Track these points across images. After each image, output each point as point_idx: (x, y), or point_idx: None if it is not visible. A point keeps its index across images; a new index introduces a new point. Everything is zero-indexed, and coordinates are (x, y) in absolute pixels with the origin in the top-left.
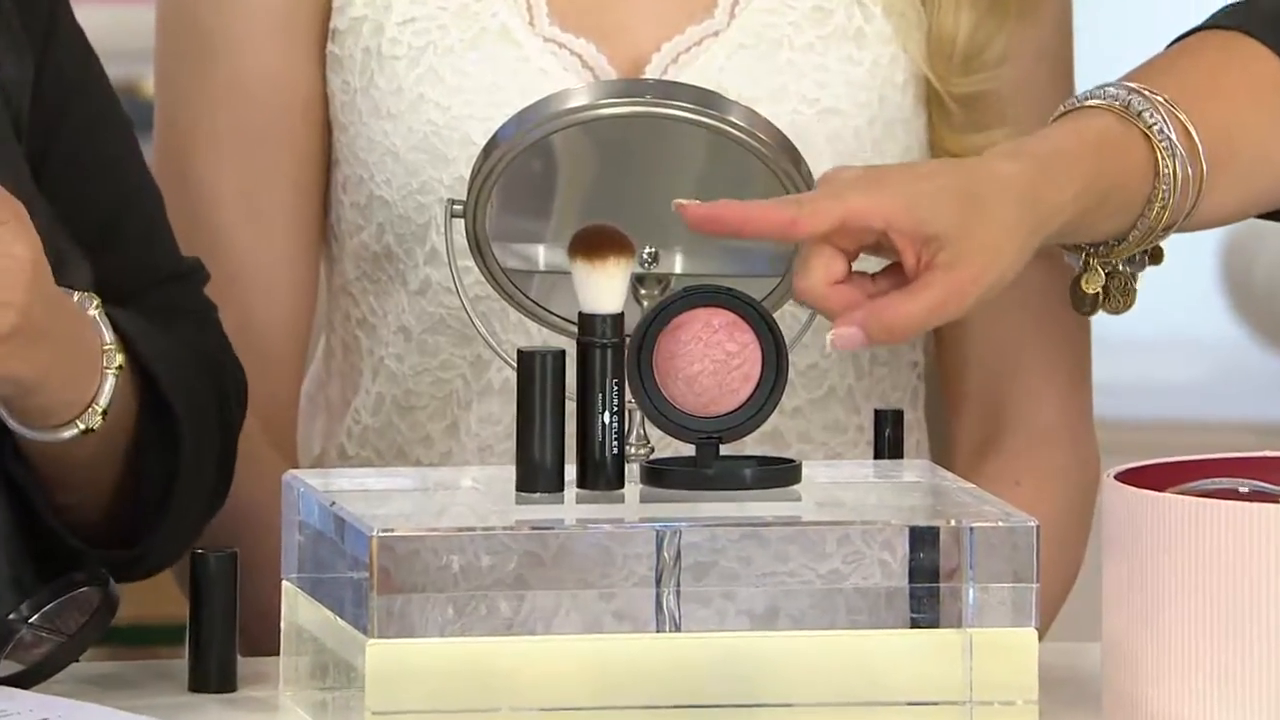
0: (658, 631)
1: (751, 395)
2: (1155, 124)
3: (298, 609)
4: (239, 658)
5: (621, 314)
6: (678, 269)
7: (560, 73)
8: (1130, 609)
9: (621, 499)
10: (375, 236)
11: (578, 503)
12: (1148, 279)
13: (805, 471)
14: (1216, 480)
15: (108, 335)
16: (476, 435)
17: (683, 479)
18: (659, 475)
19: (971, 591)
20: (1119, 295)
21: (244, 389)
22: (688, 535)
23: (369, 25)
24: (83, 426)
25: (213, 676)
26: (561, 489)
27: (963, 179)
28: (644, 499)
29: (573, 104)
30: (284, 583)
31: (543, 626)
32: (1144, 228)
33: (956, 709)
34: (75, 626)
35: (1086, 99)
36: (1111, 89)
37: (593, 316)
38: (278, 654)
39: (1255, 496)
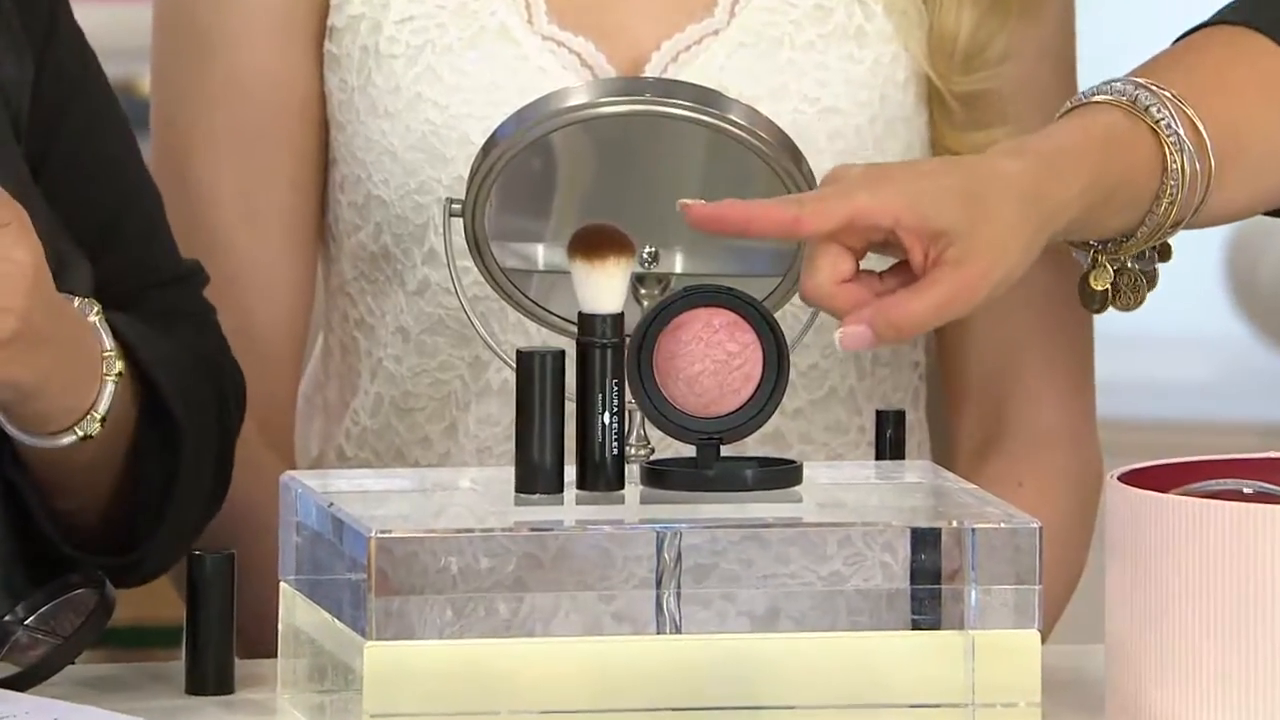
0: (658, 633)
1: (752, 396)
2: (1163, 119)
3: (295, 611)
4: (236, 660)
5: (621, 314)
6: (678, 268)
7: (559, 71)
8: (1133, 611)
9: (621, 500)
10: (373, 236)
11: (577, 504)
12: None
13: (806, 473)
14: (1220, 481)
15: (108, 342)
16: (475, 436)
17: (683, 480)
18: (659, 476)
19: (974, 593)
20: (1129, 292)
21: (243, 391)
22: (688, 537)
23: (367, 23)
24: (81, 433)
25: (210, 679)
26: (561, 490)
27: (968, 177)
28: (644, 500)
29: (572, 102)
30: (281, 584)
31: (542, 628)
32: (1152, 224)
33: (959, 711)
34: (71, 628)
35: (1093, 95)
36: (1118, 84)
37: (592, 316)
38: (275, 656)
39: (1259, 498)
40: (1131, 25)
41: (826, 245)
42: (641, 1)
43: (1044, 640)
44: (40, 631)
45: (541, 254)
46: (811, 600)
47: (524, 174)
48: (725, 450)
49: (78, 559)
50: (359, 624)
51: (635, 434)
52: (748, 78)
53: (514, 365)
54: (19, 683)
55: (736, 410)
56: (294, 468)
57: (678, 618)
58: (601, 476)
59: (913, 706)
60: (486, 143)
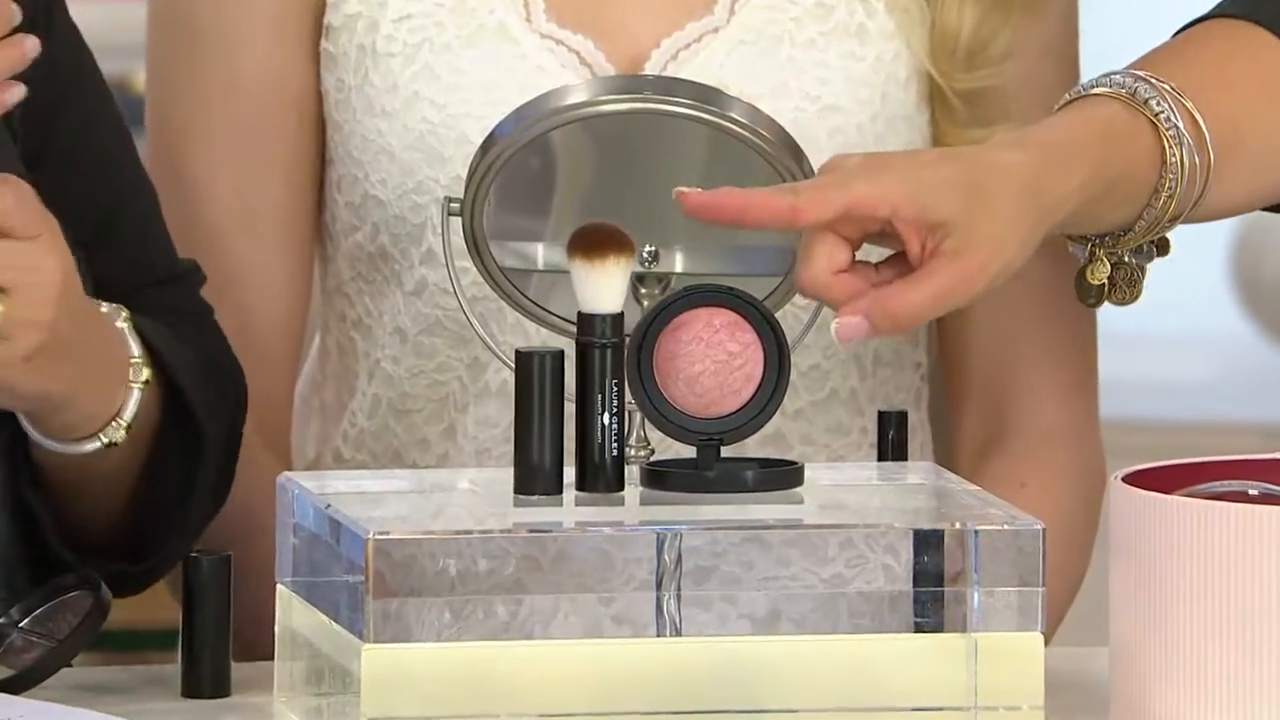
0: (658, 636)
1: (753, 396)
2: (1162, 112)
3: (292, 613)
4: (232, 663)
5: (621, 314)
6: (678, 268)
7: (558, 70)
8: (1138, 613)
9: (621, 501)
10: (370, 237)
11: (577, 505)
12: (1155, 276)
13: (808, 474)
14: (1225, 483)
15: (135, 348)
16: (474, 438)
17: (683, 481)
18: (659, 477)
19: (976, 595)
20: (1125, 286)
21: (245, 392)
22: (688, 538)
23: (364, 22)
24: (106, 440)
25: (206, 682)
26: (560, 491)
27: (967, 169)
28: (644, 501)
29: (572, 100)
30: (278, 586)
31: (541, 631)
32: (1150, 218)
33: (961, 714)
34: (66, 631)
35: (1092, 87)
36: (1117, 77)
37: (592, 316)
38: (272, 659)
39: (1264, 499)
40: (1134, 21)
41: (822, 235)
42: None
43: (1047, 643)
44: (35, 634)
45: (541, 253)
46: (813, 602)
47: (523, 173)
48: (726, 451)
49: (83, 565)
50: (356, 626)
51: (635, 435)
52: (748, 76)
53: (513, 366)
54: (13, 686)
55: (737, 411)
56: (290, 469)
57: (678, 620)
58: (601, 478)
59: (915, 710)
60: (485, 141)
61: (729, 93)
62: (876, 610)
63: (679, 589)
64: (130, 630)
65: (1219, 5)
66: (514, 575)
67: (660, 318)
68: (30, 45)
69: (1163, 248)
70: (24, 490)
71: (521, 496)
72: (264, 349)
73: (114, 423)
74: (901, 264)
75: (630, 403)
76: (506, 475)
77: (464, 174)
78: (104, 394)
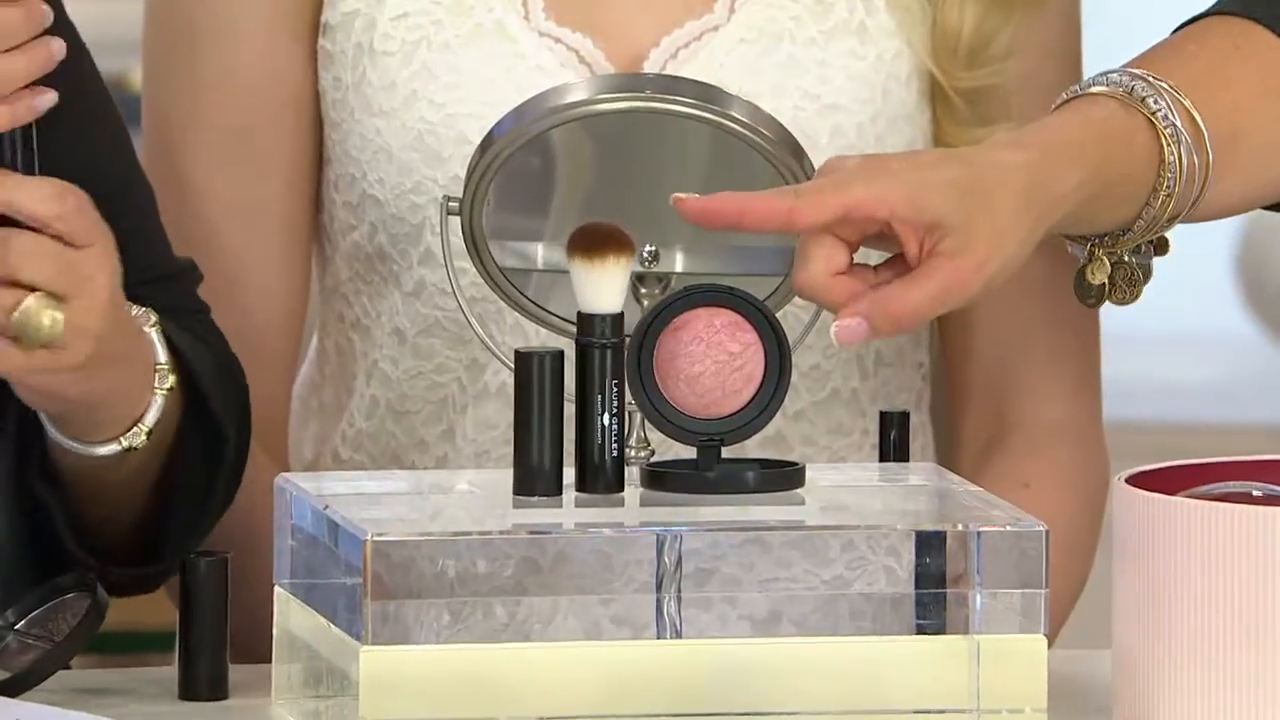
0: (658, 638)
1: (754, 396)
2: (1160, 110)
3: (290, 615)
4: (230, 665)
5: (621, 314)
6: (678, 267)
7: (557, 69)
8: (1141, 615)
9: (621, 503)
10: (368, 237)
11: (576, 507)
12: (1159, 276)
13: (809, 475)
14: (1229, 484)
15: (162, 354)
16: (473, 440)
17: (684, 482)
18: (659, 478)
19: (979, 597)
20: (1125, 286)
21: (248, 392)
22: (689, 540)
23: (361, 20)
24: (126, 444)
25: (203, 684)
26: (560, 493)
27: (965, 169)
28: (644, 503)
29: (572, 99)
30: (276, 588)
31: (540, 632)
32: (1149, 217)
33: (963, 717)
34: (62, 633)
35: (1089, 86)
36: (1115, 75)
37: (592, 316)
38: (270, 661)
39: (1269, 500)
40: (1136, 19)
41: (820, 237)
42: None
43: (1050, 645)
44: (31, 636)
45: (540, 253)
46: (814, 604)
47: (522, 172)
48: (726, 452)
49: (97, 565)
50: (355, 628)
51: (635, 435)
52: (748, 74)
53: (512, 366)
54: (10, 688)
55: (738, 411)
56: (287, 471)
57: (678, 622)
58: (601, 479)
59: (917, 713)
60: (484, 140)
61: (729, 91)
62: (878, 612)
63: (679, 590)
64: (128, 632)
65: (1217, 3)
66: (513, 577)
67: (660, 318)
68: (57, 47)
69: (1161, 247)
70: (34, 482)
71: (521, 498)
72: (262, 349)
73: (136, 427)
74: (900, 265)
75: (630, 403)
76: (506, 476)
77: (462, 173)
78: (131, 399)
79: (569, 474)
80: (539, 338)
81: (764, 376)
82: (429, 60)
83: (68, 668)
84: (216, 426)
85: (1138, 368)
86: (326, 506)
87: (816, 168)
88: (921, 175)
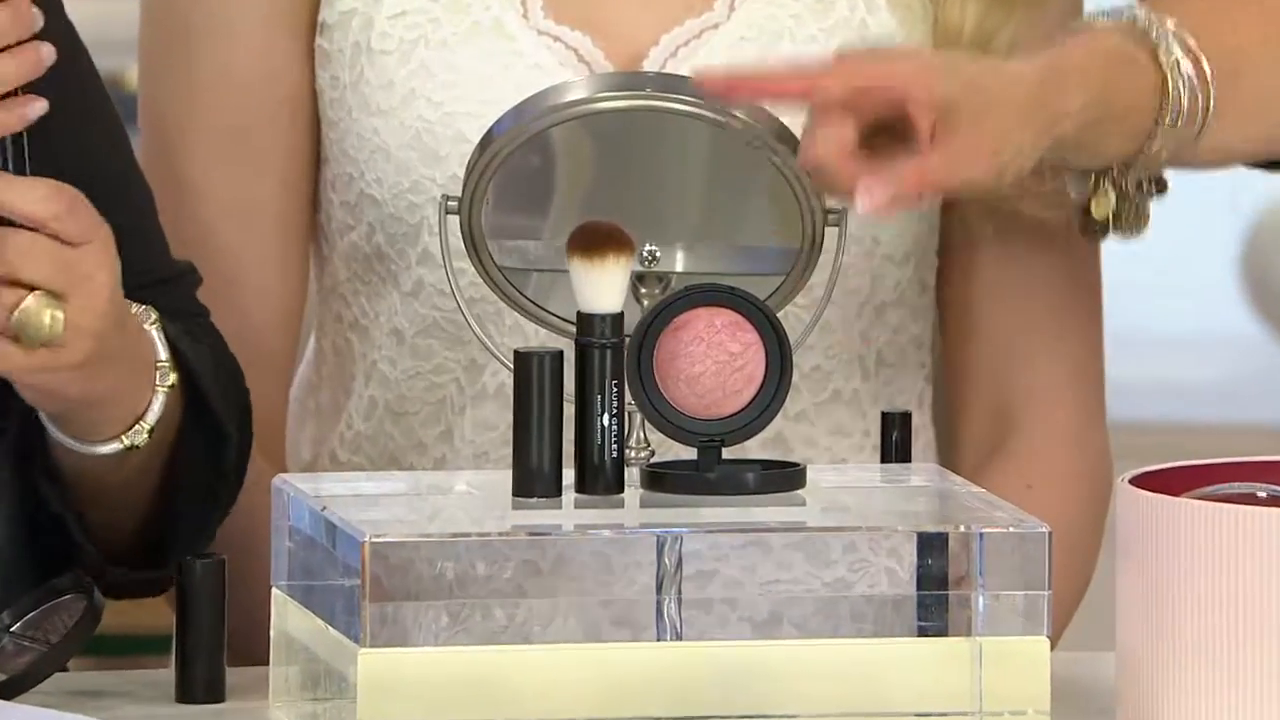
0: (658, 640)
1: (755, 397)
2: (1164, 45)
3: (288, 617)
4: (227, 668)
5: (621, 313)
6: (679, 267)
7: (555, 67)
8: (1145, 617)
9: (621, 504)
10: (366, 237)
11: (576, 508)
12: (1164, 277)
13: (810, 475)
14: (1234, 485)
15: (162, 352)
16: (471, 441)
17: (684, 483)
18: (660, 479)
19: (981, 599)
20: (1132, 219)
21: (248, 395)
22: (689, 541)
23: (359, 19)
24: (128, 443)
25: (200, 687)
26: (559, 494)
27: (975, 69)
28: (644, 504)
29: (571, 97)
30: (273, 590)
31: (540, 635)
32: (1151, 150)
33: None
34: (58, 635)
35: (1093, 21)
36: (1120, 10)
37: (591, 316)
38: (267, 664)
39: (1274, 501)
40: None
41: (831, 114)
42: None
43: (1053, 647)
44: (27, 638)
45: (539, 252)
46: (815, 606)
47: (522, 170)
48: (727, 453)
49: (113, 573)
50: (352, 631)
51: (635, 436)
52: None
53: (511, 366)
54: (5, 690)
55: (739, 412)
56: (285, 472)
57: (678, 624)
58: (601, 480)
59: (918, 715)
60: (483, 139)
61: None
62: (880, 614)
63: (679, 592)
64: (124, 634)
65: None
66: (512, 579)
67: (661, 317)
68: (47, 52)
69: (1160, 187)
70: (39, 482)
71: (520, 499)
72: (259, 349)
73: (137, 425)
74: (907, 153)
75: (630, 404)
76: (505, 477)
77: (461, 173)
78: (132, 397)
79: (568, 475)
80: (538, 338)
81: (765, 377)
82: (427, 59)
83: (64, 670)
84: (217, 426)
85: (1141, 368)
86: (324, 508)
87: None
88: (934, 61)
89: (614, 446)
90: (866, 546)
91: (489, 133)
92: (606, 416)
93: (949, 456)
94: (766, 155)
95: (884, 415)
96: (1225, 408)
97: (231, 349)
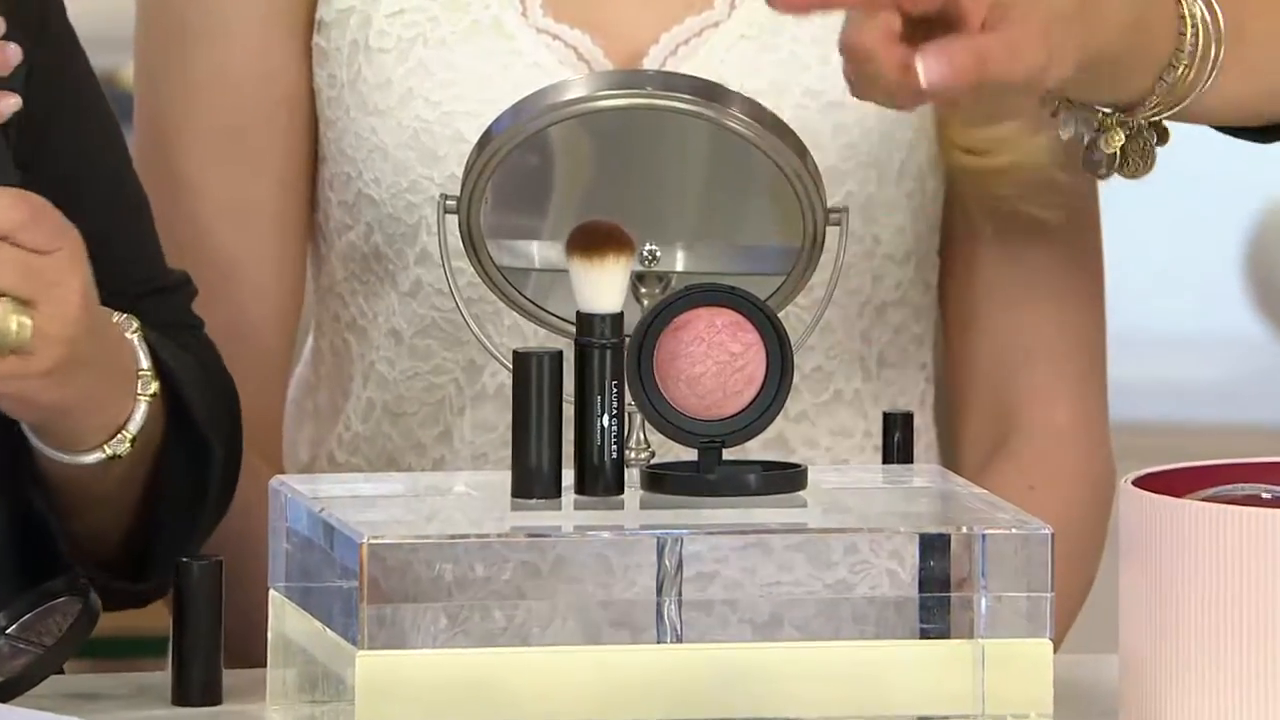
0: (659, 642)
1: (756, 398)
2: None
3: (285, 619)
4: (224, 670)
5: (621, 313)
6: (679, 267)
7: (555, 66)
8: (1148, 619)
9: (621, 505)
10: (363, 236)
11: (576, 509)
12: (1169, 276)
13: (811, 476)
14: (1237, 486)
15: (144, 360)
16: (470, 443)
17: (684, 485)
18: (660, 481)
19: (984, 601)
20: (1138, 158)
21: (240, 408)
22: (689, 543)
23: (356, 17)
24: (110, 452)
25: (196, 689)
26: (559, 495)
27: None
28: (644, 505)
29: (570, 96)
30: (270, 592)
31: (539, 637)
32: (1162, 91)
33: None
34: (54, 638)
35: None
36: None
37: (591, 316)
38: (264, 666)
39: (1278, 503)
40: None
41: (876, 4)
42: None
43: (1056, 649)
44: (22, 641)
45: (539, 252)
46: (816, 608)
47: (521, 170)
48: (728, 454)
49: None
50: (350, 633)
51: (635, 437)
52: (749, 71)
53: (510, 367)
54: (1, 693)
55: (739, 413)
56: (282, 473)
57: (679, 626)
58: (600, 481)
59: (920, 718)
60: (482, 137)
61: (730, 88)
62: (881, 616)
63: (680, 594)
64: (120, 637)
65: None
66: (511, 580)
67: (661, 317)
68: (12, 52)
69: (1162, 136)
70: (25, 486)
71: (519, 500)
72: (256, 349)
73: (119, 435)
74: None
75: (630, 404)
76: (503, 478)
77: (459, 172)
78: (112, 406)
79: (568, 476)
80: (537, 338)
81: (765, 377)
82: (425, 57)
83: (60, 672)
84: (200, 438)
85: (1144, 368)
86: (322, 509)
87: (819, 167)
88: None
89: (614, 447)
90: (868, 548)
91: (487, 132)
92: (606, 417)
93: (951, 457)
94: (767, 154)
95: (885, 416)
96: (1229, 408)
97: (228, 349)
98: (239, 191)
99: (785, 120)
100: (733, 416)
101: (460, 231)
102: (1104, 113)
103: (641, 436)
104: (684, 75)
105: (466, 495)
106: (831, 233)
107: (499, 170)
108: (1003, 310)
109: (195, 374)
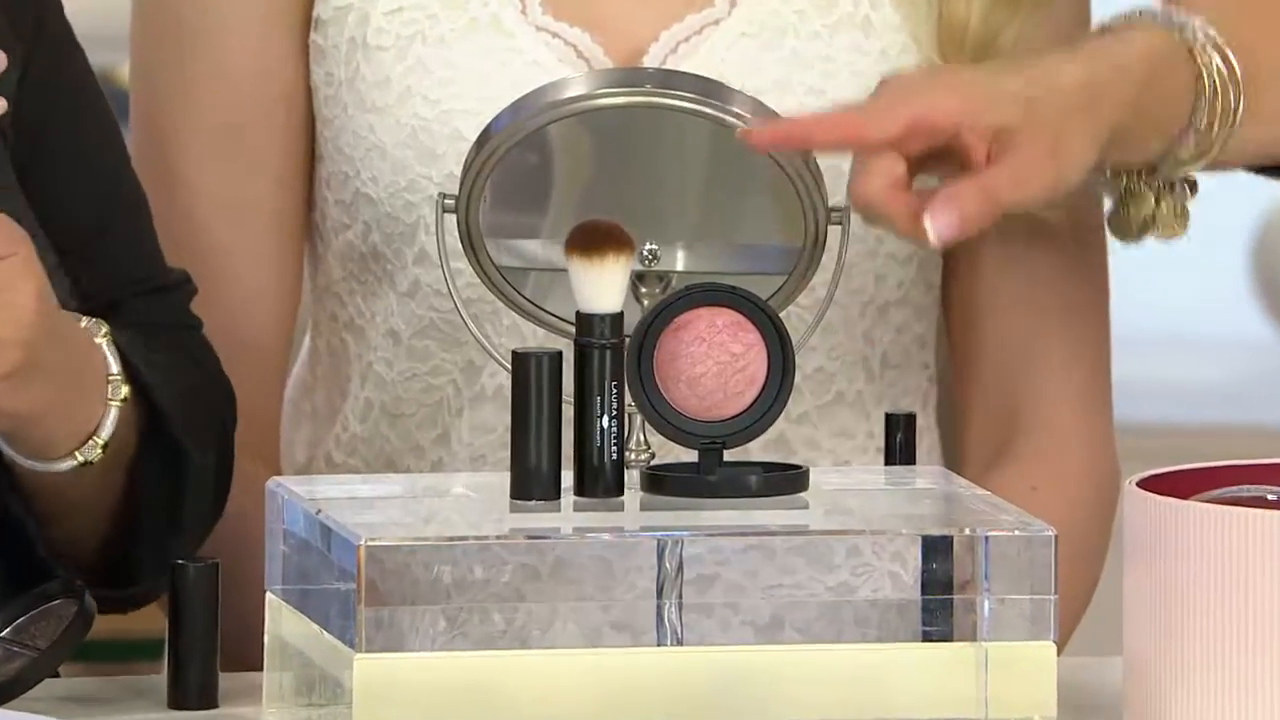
0: (659, 645)
1: (757, 398)
2: (1199, 42)
3: (282, 622)
4: (220, 673)
5: (621, 313)
6: (679, 266)
7: (554, 64)
8: (1153, 622)
9: (621, 507)
10: (361, 236)
11: (575, 511)
12: (1174, 277)
13: (813, 478)
14: (1243, 487)
15: (114, 365)
16: (469, 444)
17: (685, 486)
18: (660, 482)
19: (987, 604)
20: (1172, 219)
21: (235, 412)
22: (690, 545)
23: (354, 14)
24: (82, 459)
25: (193, 693)
26: (558, 497)
27: (1025, 81)
28: (644, 507)
29: (570, 94)
30: (267, 595)
31: (539, 639)
32: (1183, 150)
33: None
34: (48, 641)
35: (1119, 20)
36: (1146, 11)
37: (591, 316)
38: (261, 669)
39: None
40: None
41: (880, 150)
42: None
43: (1060, 652)
44: (16, 644)
45: (538, 251)
46: (818, 611)
47: (520, 168)
48: (728, 455)
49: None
50: (348, 635)
51: (635, 438)
52: (750, 69)
53: (509, 367)
54: None
55: (740, 414)
56: (280, 474)
57: (679, 629)
58: (600, 482)
59: None
60: (481, 135)
61: (731, 86)
62: (884, 619)
63: (680, 597)
64: (116, 640)
65: None
66: (510, 583)
67: (661, 317)
68: (1, 61)
69: (1192, 186)
70: (3, 493)
71: (518, 502)
72: (253, 349)
73: (91, 441)
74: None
75: (630, 405)
76: (502, 480)
77: (458, 171)
78: (80, 411)
79: (567, 478)
80: (537, 338)
81: (767, 378)
82: (423, 55)
83: (55, 675)
84: (176, 446)
85: (1149, 369)
86: (319, 511)
87: (821, 165)
88: (984, 86)
89: (614, 448)
90: (870, 550)
91: (486, 130)
92: (606, 418)
93: (954, 458)
94: (768, 153)
95: (888, 417)
96: (1235, 409)
97: (224, 348)
98: (236, 190)
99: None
100: (734, 417)
101: (459, 231)
102: (1129, 178)
103: (641, 437)
104: (684, 73)
105: (465, 497)
106: (833, 232)
107: (498, 169)
108: (1006, 311)
109: (172, 377)
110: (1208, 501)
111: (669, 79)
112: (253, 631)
